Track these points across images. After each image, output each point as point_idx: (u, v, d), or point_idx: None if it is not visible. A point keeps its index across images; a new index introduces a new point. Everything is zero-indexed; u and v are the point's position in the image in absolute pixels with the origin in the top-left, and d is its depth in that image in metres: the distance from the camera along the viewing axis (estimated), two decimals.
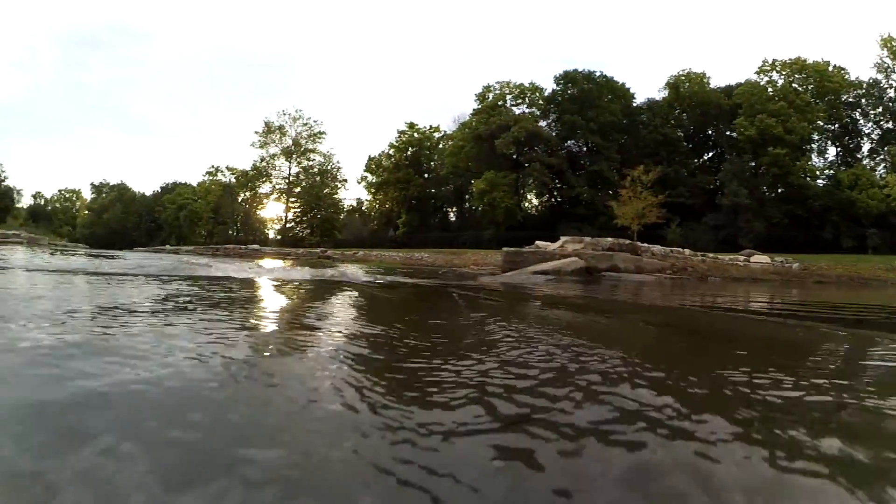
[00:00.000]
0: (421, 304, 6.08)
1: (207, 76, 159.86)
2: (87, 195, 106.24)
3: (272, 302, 5.17)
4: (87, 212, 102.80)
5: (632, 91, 55.02)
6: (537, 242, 20.55)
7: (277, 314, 3.98)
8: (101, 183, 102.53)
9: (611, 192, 46.96)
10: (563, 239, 19.79)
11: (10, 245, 24.73)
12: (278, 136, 65.98)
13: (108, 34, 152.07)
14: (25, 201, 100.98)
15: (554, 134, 54.02)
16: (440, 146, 63.63)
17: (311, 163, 66.81)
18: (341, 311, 4.37)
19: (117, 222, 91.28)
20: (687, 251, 23.25)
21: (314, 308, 4.45)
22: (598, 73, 54.17)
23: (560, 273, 14.68)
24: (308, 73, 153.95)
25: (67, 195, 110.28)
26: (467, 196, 59.81)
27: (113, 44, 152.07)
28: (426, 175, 63.48)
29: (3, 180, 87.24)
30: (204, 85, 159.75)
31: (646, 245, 21.82)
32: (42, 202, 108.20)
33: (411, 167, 61.92)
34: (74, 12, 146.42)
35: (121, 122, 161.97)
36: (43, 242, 37.38)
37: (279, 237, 66.17)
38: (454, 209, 64.83)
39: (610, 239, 19.92)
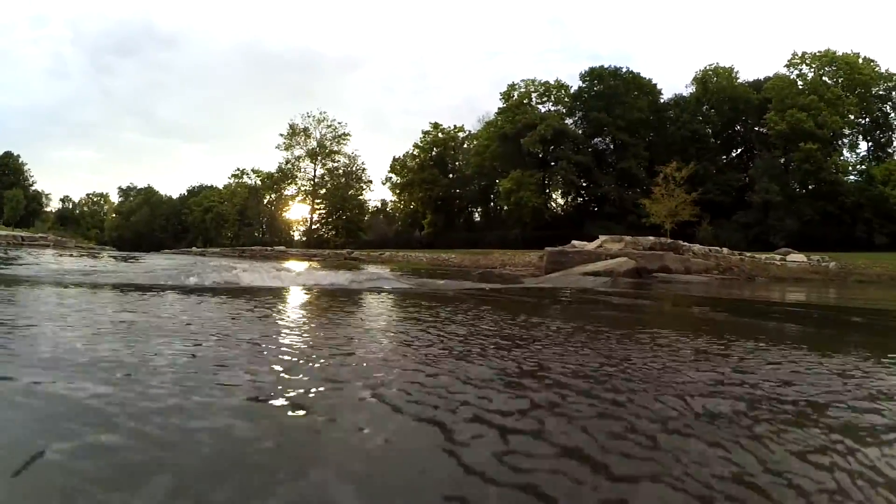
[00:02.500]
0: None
1: (233, 80, 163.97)
2: (115, 199, 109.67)
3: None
4: (114, 215, 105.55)
5: (658, 87, 55.29)
6: (574, 242, 20.04)
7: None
8: (128, 187, 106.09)
9: (639, 189, 47.05)
10: (601, 238, 19.34)
11: (39, 248, 25.54)
12: (303, 138, 67.08)
13: (135, 40, 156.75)
14: (54, 205, 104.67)
15: (580, 132, 54.28)
16: (465, 146, 64.27)
17: (335, 164, 67.86)
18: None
19: (144, 225, 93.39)
20: (725, 250, 22.77)
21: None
22: (624, 70, 54.35)
23: (613, 274, 13.86)
24: (333, 75, 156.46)
25: (95, 199, 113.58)
26: (492, 196, 60.30)
27: (140, 49, 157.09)
28: (451, 175, 63.98)
29: (32, 185, 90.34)
30: (229, 88, 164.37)
31: (686, 244, 21.17)
32: (70, 206, 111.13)
33: (436, 167, 62.56)
34: (102, 19, 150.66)
35: (148, 127, 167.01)
36: (70, 245, 38.51)
37: (304, 238, 67.41)
38: (479, 209, 65.30)
39: (651, 238, 19.51)
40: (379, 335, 2.85)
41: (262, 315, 3.54)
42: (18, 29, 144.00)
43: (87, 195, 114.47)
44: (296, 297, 5.19)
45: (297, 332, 2.83)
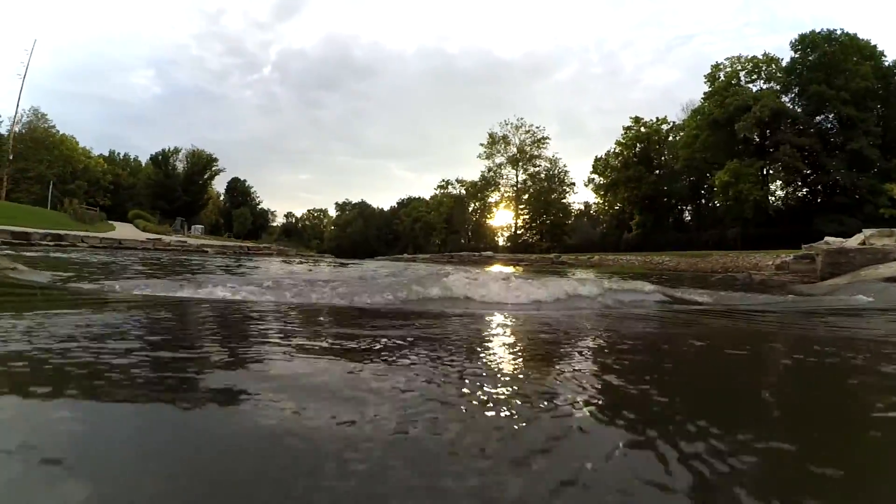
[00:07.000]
0: None
1: (428, 99, 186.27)
2: (333, 213, 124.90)
3: None
4: (332, 227, 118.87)
5: (879, 49, 49.03)
6: (827, 238, 17.22)
7: None
8: (344, 202, 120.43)
9: (872, 173, 43.52)
10: (865, 232, 16.58)
11: (264, 256, 30.74)
12: (503, 145, 70.57)
13: (336, 74, 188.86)
14: (280, 221, 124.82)
15: (799, 110, 50.22)
16: (670, 139, 62.22)
17: (537, 169, 70.68)
18: None
19: (359, 235, 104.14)
20: None
21: None
22: (838, 32, 49.14)
23: None
24: (522, 84, 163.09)
25: (316, 214, 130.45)
26: (703, 191, 58.56)
27: (342, 82, 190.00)
28: (657, 171, 62.05)
29: (258, 204, 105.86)
30: (426, 108, 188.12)
31: None
32: (294, 220, 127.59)
33: (641, 164, 60.99)
34: (304, 59, 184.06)
35: (355, 149, 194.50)
36: (291, 253, 44.73)
37: (508, 244, 70.68)
38: (689, 207, 62.99)
39: None
40: None
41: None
42: (232, 77, 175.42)
43: (308, 211, 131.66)
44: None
45: None
